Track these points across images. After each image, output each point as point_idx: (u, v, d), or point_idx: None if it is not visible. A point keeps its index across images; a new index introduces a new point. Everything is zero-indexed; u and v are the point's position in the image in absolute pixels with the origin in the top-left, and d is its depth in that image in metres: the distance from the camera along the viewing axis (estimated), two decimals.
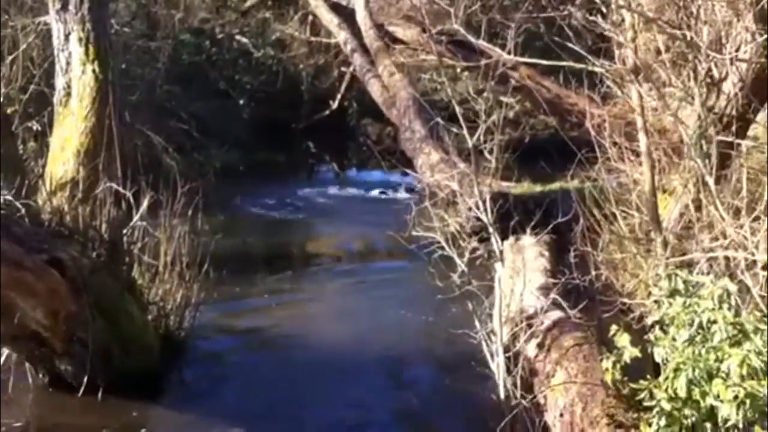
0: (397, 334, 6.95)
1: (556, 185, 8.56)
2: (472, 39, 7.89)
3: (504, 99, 9.76)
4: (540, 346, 5.55)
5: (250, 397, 5.86)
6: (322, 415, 5.58)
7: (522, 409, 5.13)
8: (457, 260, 5.88)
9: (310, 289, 7.83)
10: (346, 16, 13.18)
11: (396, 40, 12.75)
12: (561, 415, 4.88)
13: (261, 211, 9.83)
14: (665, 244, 5.65)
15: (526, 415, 5.08)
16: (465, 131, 6.05)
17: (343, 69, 13.88)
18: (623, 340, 4.44)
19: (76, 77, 7.11)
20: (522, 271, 6.10)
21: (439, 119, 7.14)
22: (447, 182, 7.13)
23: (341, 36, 12.92)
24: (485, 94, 6.39)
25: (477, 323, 5.51)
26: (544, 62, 7.87)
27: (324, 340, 6.61)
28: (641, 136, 5.93)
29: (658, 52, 6.21)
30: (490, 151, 6.07)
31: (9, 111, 7.46)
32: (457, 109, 6.31)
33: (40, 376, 5.54)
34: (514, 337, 5.59)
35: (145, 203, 5.97)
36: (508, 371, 5.31)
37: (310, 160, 12.99)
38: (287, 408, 5.69)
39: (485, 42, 7.92)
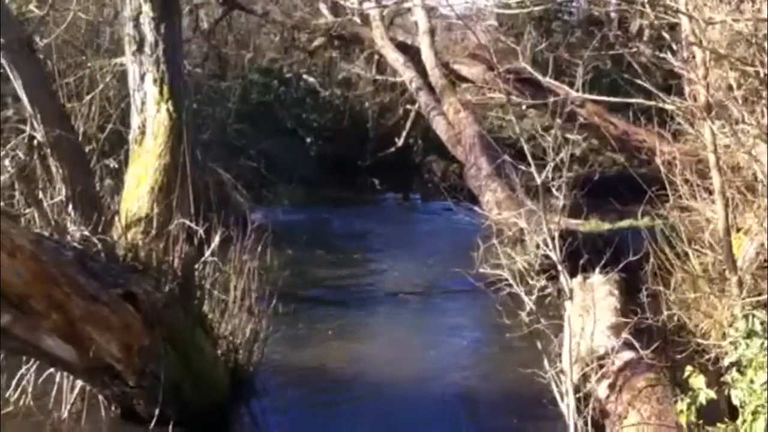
0: (464, 372, 6.90)
1: (625, 223, 8.43)
2: (539, 76, 7.89)
3: (571, 136, 9.68)
4: (611, 386, 5.45)
5: None
6: None
7: None
8: (525, 298, 5.82)
9: (375, 326, 7.84)
10: (412, 54, 13.30)
11: (461, 78, 12.81)
12: None
13: (328, 247, 9.90)
14: (740, 283, 5.52)
15: None
16: (533, 168, 6.03)
17: (408, 107, 13.97)
18: (698, 381, 4.33)
19: (151, 116, 7.28)
20: (592, 310, 6.00)
21: (506, 156, 7.13)
22: (515, 219, 7.10)
23: (407, 74, 13.02)
24: (553, 132, 6.37)
25: (546, 362, 5.44)
26: (613, 99, 7.83)
27: (390, 377, 6.59)
28: (714, 174, 5.83)
29: (730, 88, 6.10)
30: (558, 189, 6.03)
31: (87, 149, 7.67)
32: (525, 146, 6.30)
33: (113, 408, 5.63)
34: (585, 378, 5.49)
35: (216, 239, 6.07)
36: (579, 412, 5.22)
37: (376, 196, 13.06)
38: None
39: (552, 79, 7.92)
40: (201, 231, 6.01)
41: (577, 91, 6.86)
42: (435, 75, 12.55)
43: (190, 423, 5.45)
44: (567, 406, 5.23)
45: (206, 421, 5.56)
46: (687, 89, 6.50)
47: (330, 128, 13.69)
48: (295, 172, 12.05)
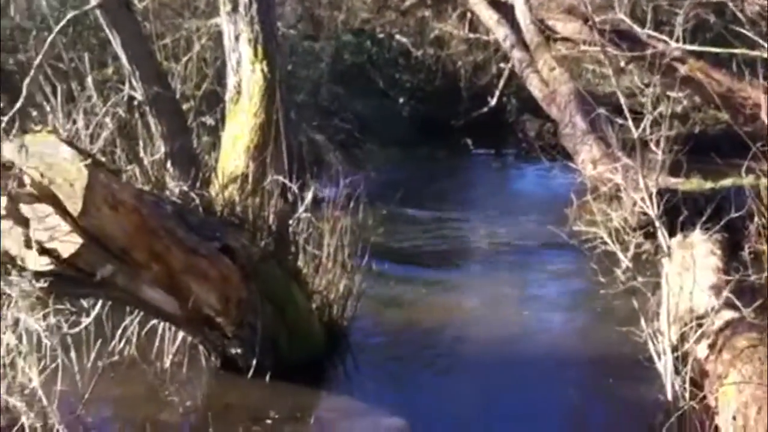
0: (558, 330, 6.84)
1: (728, 181, 8.13)
2: (637, 28, 7.66)
3: (671, 94, 9.39)
4: (711, 346, 5.30)
5: (411, 390, 5.90)
6: (481, 411, 5.54)
7: (691, 410, 4.94)
8: (621, 256, 5.72)
9: (469, 284, 7.80)
10: (506, 12, 13.05)
11: (556, 34, 12.51)
12: (734, 417, 4.66)
13: (420, 206, 9.89)
14: None
15: (695, 416, 4.90)
16: (630, 122, 5.89)
17: (501, 65, 13.73)
18: None
19: (246, 76, 7.40)
20: (691, 268, 5.84)
21: (602, 110, 6.95)
22: (610, 175, 6.94)
23: (500, 32, 12.79)
24: (651, 87, 6.19)
25: (643, 321, 5.34)
26: (716, 50, 7.54)
27: (484, 336, 6.58)
28: None
29: None
30: (657, 144, 5.88)
31: (185, 107, 7.86)
32: (622, 100, 6.14)
33: (212, 358, 5.80)
34: (683, 337, 5.36)
35: (309, 196, 6.14)
36: (677, 372, 5.11)
37: (470, 155, 12.94)
38: (446, 403, 5.67)
39: (651, 31, 7.67)
40: (295, 188, 6.10)
41: (677, 41, 6.63)
42: (529, 32, 12.30)
43: (286, 375, 5.57)
44: (664, 365, 5.14)
45: (302, 373, 5.66)
46: None
47: (422, 88, 13.58)
48: (388, 132, 12.00)
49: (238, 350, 5.58)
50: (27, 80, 6.69)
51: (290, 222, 6.00)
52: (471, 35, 14.19)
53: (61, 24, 7.26)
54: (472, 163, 12.77)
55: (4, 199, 4.62)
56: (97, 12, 6.99)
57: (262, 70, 7.38)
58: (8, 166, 4.61)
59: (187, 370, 5.77)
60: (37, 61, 6.80)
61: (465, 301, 7.40)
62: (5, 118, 5.32)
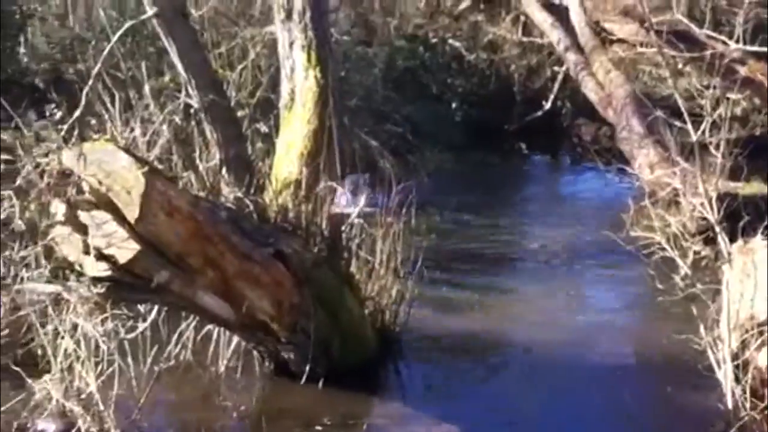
0: (615, 337, 6.73)
1: None
2: (695, 29, 7.53)
3: (731, 95, 9.19)
4: None
5: (463, 396, 5.87)
6: (535, 418, 5.49)
7: (752, 420, 4.83)
8: (680, 262, 5.63)
9: (523, 290, 7.72)
10: (559, 14, 12.93)
11: (612, 37, 12.36)
12: None
13: (474, 211, 9.83)
14: None
15: (756, 427, 4.79)
16: (689, 125, 5.80)
17: (555, 69, 13.60)
18: None
19: (300, 83, 7.46)
20: (753, 274, 5.70)
21: (659, 113, 6.85)
22: (668, 180, 6.83)
23: (554, 35, 12.67)
24: (710, 89, 6.08)
25: (702, 329, 5.23)
26: None
27: (537, 343, 6.51)
28: None
29: None
30: (716, 147, 5.77)
31: (239, 115, 7.96)
32: (680, 102, 6.05)
33: (266, 364, 5.84)
34: (744, 345, 5.24)
35: (362, 201, 6.15)
36: (737, 380, 5.00)
37: (523, 161, 12.85)
38: (499, 410, 5.64)
39: (709, 31, 7.53)
40: (348, 193, 6.12)
41: (736, 42, 6.50)
42: (585, 35, 12.16)
43: (339, 380, 5.57)
44: (724, 374, 5.04)
45: (354, 379, 5.66)
46: None
47: (476, 93, 13.50)
48: (441, 137, 11.97)
49: (292, 355, 5.61)
50: (86, 89, 6.88)
51: (343, 228, 6.02)
52: (524, 39, 14.07)
53: (119, 33, 7.45)
54: (527, 168, 12.69)
55: (64, 206, 4.72)
56: (154, 21, 7.13)
57: (315, 77, 7.42)
58: (67, 174, 4.71)
59: (241, 376, 5.81)
60: (95, 70, 7.00)
61: (519, 307, 7.33)
62: (65, 126, 5.43)
